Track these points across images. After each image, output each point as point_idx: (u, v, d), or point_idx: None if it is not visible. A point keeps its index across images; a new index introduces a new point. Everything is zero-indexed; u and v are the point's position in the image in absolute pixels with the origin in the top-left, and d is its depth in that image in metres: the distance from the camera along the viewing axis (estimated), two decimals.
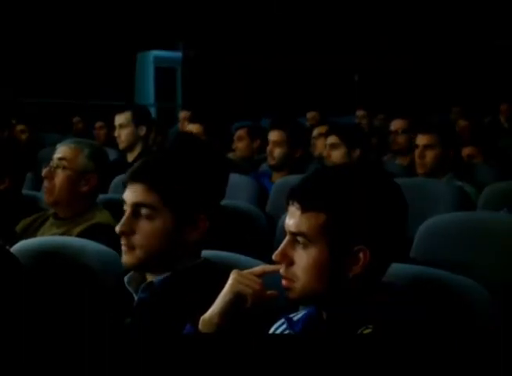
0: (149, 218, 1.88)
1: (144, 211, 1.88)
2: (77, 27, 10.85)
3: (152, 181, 1.89)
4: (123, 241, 1.90)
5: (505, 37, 10.40)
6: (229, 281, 1.65)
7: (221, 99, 11.41)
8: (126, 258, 1.90)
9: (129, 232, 1.89)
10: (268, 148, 4.19)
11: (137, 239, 1.89)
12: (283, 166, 4.15)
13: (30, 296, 2.04)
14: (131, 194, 1.90)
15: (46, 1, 10.69)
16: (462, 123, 6.18)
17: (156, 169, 1.93)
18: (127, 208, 1.91)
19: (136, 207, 1.89)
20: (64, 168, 2.85)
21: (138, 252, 1.88)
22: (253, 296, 1.64)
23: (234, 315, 1.64)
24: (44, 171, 2.87)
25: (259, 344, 1.44)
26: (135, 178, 1.91)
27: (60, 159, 2.86)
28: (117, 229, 1.89)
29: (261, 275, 1.67)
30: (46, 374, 1.44)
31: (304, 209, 1.59)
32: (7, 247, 2.23)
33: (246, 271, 1.67)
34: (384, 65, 11.44)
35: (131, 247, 1.89)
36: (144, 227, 1.88)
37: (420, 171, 3.88)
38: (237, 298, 1.64)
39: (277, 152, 4.14)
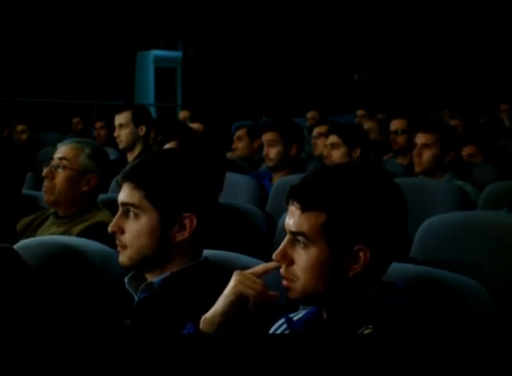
0: (135, 217, 1.89)
1: (131, 210, 1.90)
2: (77, 26, 10.86)
3: (137, 180, 1.90)
4: (116, 241, 1.92)
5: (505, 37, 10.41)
6: (232, 282, 1.65)
7: (221, 99, 11.41)
8: (120, 258, 1.93)
9: (120, 231, 1.90)
10: (264, 151, 4.20)
11: (127, 238, 1.90)
12: (282, 166, 4.15)
13: (32, 295, 2.04)
14: (121, 194, 1.93)
15: (46, 1, 10.69)
16: (455, 122, 6.19)
17: (142, 168, 1.94)
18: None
19: (125, 206, 1.91)
20: (65, 167, 2.85)
21: (128, 251, 1.90)
22: (255, 297, 1.64)
23: (236, 315, 1.64)
24: (44, 171, 2.87)
25: (259, 344, 1.44)
26: (124, 178, 1.93)
27: (61, 159, 2.87)
28: (109, 229, 1.91)
29: (262, 274, 1.67)
30: (47, 374, 1.44)
31: (304, 209, 1.59)
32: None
33: (247, 271, 1.67)
34: (384, 64, 11.44)
35: (124, 247, 1.90)
36: (131, 226, 1.90)
37: (416, 169, 3.90)
38: (239, 299, 1.64)
39: (272, 152, 4.15)
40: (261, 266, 1.70)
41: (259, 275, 1.67)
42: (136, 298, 1.91)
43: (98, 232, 2.53)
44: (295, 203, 1.61)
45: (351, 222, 1.57)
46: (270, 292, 1.67)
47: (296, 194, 1.62)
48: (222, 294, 1.66)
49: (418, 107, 8.47)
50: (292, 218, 1.61)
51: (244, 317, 1.64)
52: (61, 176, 2.85)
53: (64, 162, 2.86)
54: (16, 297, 1.98)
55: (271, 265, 1.67)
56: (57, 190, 2.84)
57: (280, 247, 1.62)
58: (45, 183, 2.87)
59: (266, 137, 4.20)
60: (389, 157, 5.35)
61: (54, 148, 2.98)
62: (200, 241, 1.95)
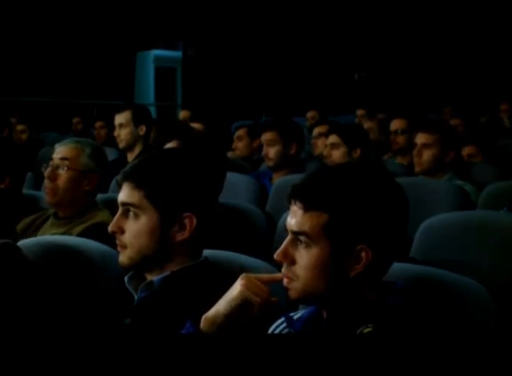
0: (135, 216, 1.89)
1: (131, 209, 1.90)
2: (77, 26, 10.86)
3: (137, 179, 1.90)
4: (116, 241, 1.92)
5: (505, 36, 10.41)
6: (239, 287, 1.64)
7: (221, 99, 11.41)
8: (120, 258, 1.93)
9: (120, 231, 1.90)
10: (264, 150, 4.20)
11: (127, 238, 1.90)
12: (282, 165, 4.15)
13: (32, 291, 2.04)
14: (121, 194, 1.93)
15: (46, 1, 10.69)
16: (455, 122, 6.19)
17: (141, 168, 1.94)
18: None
19: (125, 206, 1.91)
20: (67, 168, 2.84)
21: (128, 251, 1.90)
22: (260, 305, 1.64)
23: (238, 318, 1.64)
24: (46, 172, 2.85)
25: (259, 344, 1.45)
26: (123, 178, 1.93)
27: (62, 159, 2.85)
28: (109, 228, 1.91)
29: (267, 283, 1.67)
30: (46, 373, 1.44)
31: (306, 208, 1.59)
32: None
33: (254, 276, 1.67)
34: (384, 64, 11.44)
35: (124, 247, 1.90)
36: (131, 226, 1.90)
37: (416, 169, 3.91)
38: (245, 304, 1.64)
39: (272, 152, 4.15)
40: (268, 275, 1.69)
41: (264, 283, 1.66)
42: (136, 297, 1.92)
43: (98, 232, 2.53)
44: (297, 202, 1.61)
45: (354, 221, 1.57)
46: (272, 298, 1.67)
47: (298, 194, 1.62)
48: (227, 295, 1.65)
49: (418, 107, 8.47)
50: (294, 218, 1.61)
51: (246, 321, 1.64)
52: (63, 177, 2.83)
53: (66, 162, 2.84)
54: (16, 292, 1.98)
55: (278, 276, 1.66)
56: (60, 191, 2.82)
57: (282, 247, 1.62)
58: (47, 184, 2.85)
59: (265, 137, 4.21)
60: (389, 156, 5.35)
61: (54, 148, 2.97)
62: (199, 241, 1.95)
